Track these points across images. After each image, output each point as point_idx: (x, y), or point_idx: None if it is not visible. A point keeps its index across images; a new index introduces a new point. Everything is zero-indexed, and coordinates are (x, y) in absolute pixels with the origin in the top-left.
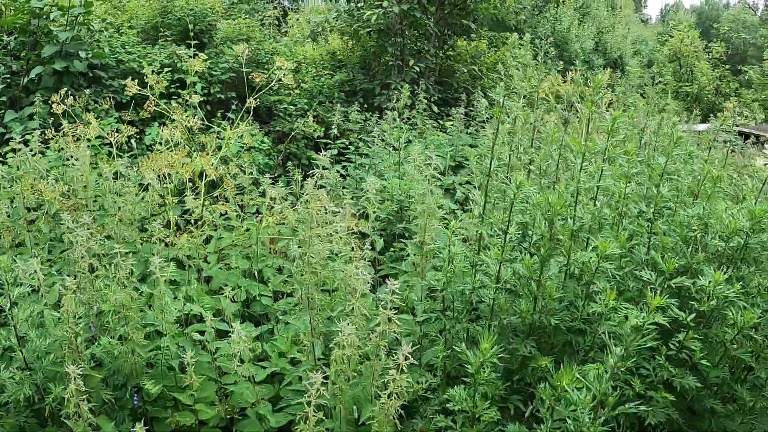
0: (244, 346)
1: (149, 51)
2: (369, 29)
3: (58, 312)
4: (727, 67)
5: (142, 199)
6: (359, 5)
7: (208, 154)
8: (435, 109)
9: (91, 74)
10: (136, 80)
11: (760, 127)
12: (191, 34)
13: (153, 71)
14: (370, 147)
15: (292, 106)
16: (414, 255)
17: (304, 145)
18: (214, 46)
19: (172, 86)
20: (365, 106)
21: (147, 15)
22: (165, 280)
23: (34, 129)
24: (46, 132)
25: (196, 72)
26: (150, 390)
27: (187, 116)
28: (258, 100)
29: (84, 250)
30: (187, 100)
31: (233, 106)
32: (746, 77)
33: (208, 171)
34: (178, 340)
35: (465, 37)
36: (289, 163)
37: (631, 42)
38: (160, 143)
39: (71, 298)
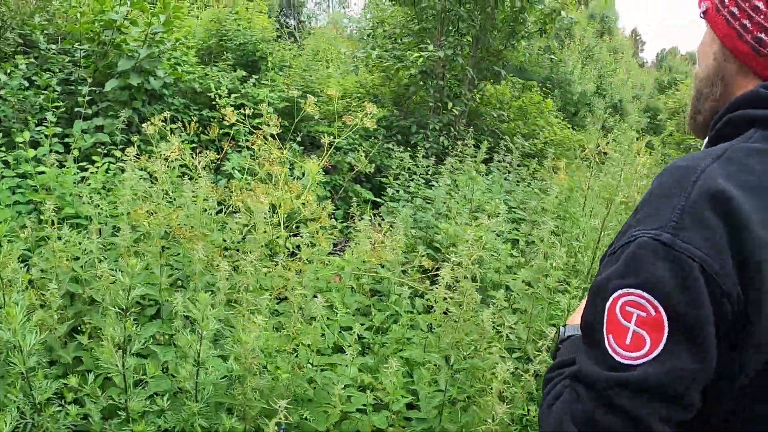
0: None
1: (212, 73)
2: (413, 70)
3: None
4: None
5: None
6: (398, 46)
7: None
8: (470, 152)
9: (155, 91)
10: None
11: None
12: (250, 60)
13: (220, 95)
14: (431, 188)
15: (341, 140)
16: None
17: (350, 179)
18: (266, 71)
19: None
20: (401, 143)
21: (202, 35)
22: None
23: (104, 143)
24: (128, 150)
25: (257, 100)
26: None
27: (270, 147)
28: (306, 129)
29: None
30: (255, 129)
31: (292, 136)
32: None
33: (302, 208)
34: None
35: (493, 82)
36: (350, 198)
37: (631, 86)
38: (240, 171)
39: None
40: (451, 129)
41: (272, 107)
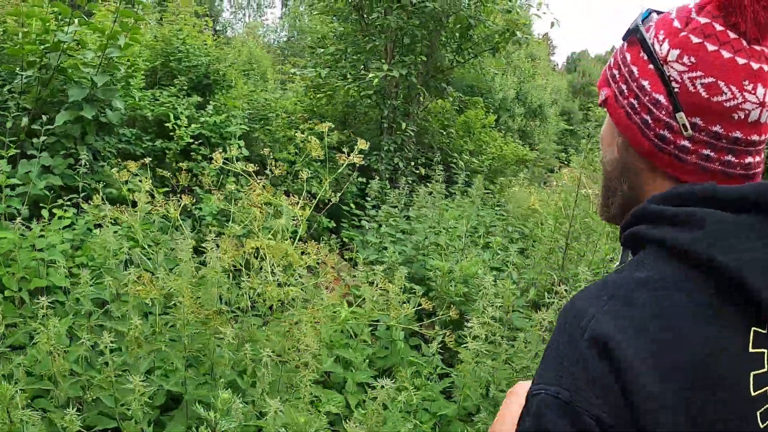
0: None
1: (162, 98)
2: (368, 90)
3: None
4: None
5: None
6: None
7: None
8: (422, 171)
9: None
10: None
11: None
12: (202, 83)
13: (178, 125)
14: (407, 219)
15: (298, 167)
16: None
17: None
18: (219, 94)
19: (195, 143)
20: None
21: (147, 56)
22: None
23: (54, 188)
24: (94, 199)
25: (223, 132)
26: None
27: (252, 186)
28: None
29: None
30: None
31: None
32: None
33: (295, 259)
34: None
35: (436, 98)
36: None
37: (549, 91)
38: (215, 217)
39: None
40: (404, 149)
41: (230, 134)
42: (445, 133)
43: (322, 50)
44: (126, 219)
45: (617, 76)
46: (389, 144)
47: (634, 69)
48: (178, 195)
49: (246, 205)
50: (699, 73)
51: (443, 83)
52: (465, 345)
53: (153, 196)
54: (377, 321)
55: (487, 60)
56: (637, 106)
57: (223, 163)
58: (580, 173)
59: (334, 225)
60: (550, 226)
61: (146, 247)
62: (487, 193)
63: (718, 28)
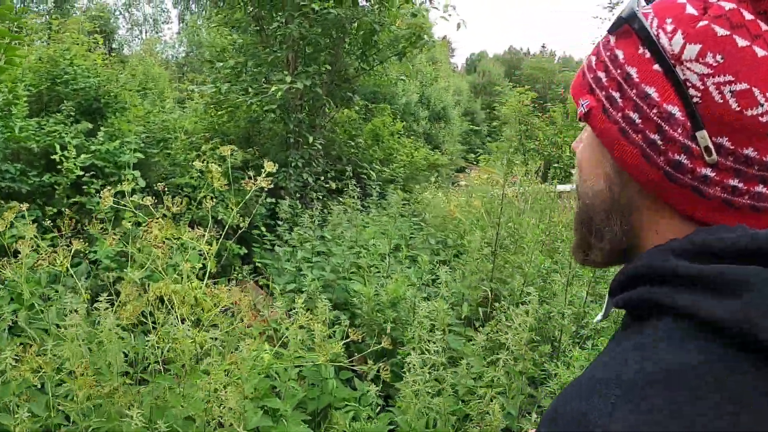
0: None
1: (48, 126)
2: (271, 105)
3: None
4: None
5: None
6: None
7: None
8: (333, 185)
9: None
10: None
11: None
12: (93, 108)
13: (66, 157)
14: (322, 239)
15: (202, 194)
16: None
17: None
18: (113, 118)
19: (86, 175)
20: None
21: (31, 79)
22: None
23: None
24: None
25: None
26: None
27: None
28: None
29: None
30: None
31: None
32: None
33: (207, 306)
34: None
35: (341, 107)
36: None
37: (452, 93)
38: (111, 259)
39: None
40: (313, 164)
41: (124, 162)
42: (353, 143)
43: (222, 64)
44: (8, 275)
45: (604, 80)
46: (297, 160)
47: (632, 71)
48: (68, 239)
49: (146, 244)
50: (728, 78)
51: (349, 92)
52: (404, 379)
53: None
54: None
55: (393, 66)
56: (638, 121)
57: (118, 197)
58: (504, 178)
59: (245, 251)
60: (477, 235)
61: (36, 305)
62: (403, 203)
63: (747, 16)
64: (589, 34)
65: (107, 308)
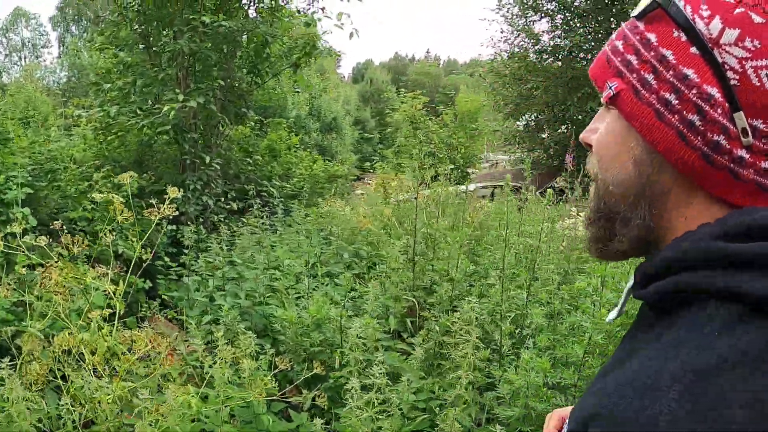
0: None
1: None
2: (164, 126)
3: None
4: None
5: None
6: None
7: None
8: (235, 206)
9: None
10: None
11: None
12: None
13: None
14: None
15: (98, 227)
16: None
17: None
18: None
19: None
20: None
21: None
22: None
23: None
24: None
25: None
26: None
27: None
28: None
29: None
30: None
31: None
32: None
33: (124, 357)
34: None
35: (234, 124)
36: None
37: (342, 103)
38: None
39: None
40: (212, 185)
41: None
42: (251, 160)
43: (109, 86)
44: None
45: (634, 62)
46: (195, 182)
47: (668, 53)
48: None
49: (46, 291)
50: (765, 62)
51: (243, 108)
52: (347, 405)
53: None
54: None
55: (286, 78)
56: (675, 102)
57: (9, 239)
58: (419, 182)
59: (150, 285)
60: (396, 244)
61: None
62: (308, 217)
63: None
64: (476, 37)
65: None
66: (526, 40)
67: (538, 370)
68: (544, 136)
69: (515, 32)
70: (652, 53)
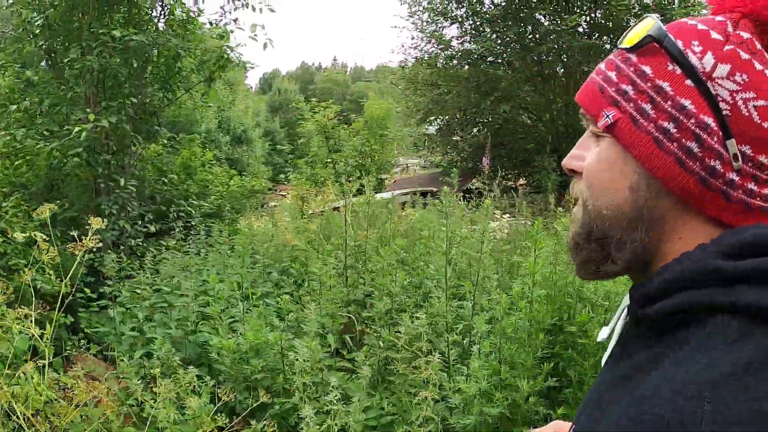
0: None
1: None
2: (75, 148)
3: None
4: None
5: None
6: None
7: None
8: (153, 229)
9: None
10: None
11: (422, 183)
12: None
13: None
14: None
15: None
16: None
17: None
18: None
19: None
20: (72, 240)
21: None
22: None
23: None
24: None
25: None
26: None
27: None
28: None
29: None
30: None
31: None
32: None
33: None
34: None
35: (146, 142)
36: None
37: (251, 114)
38: None
39: None
40: (128, 208)
41: None
42: (165, 180)
43: (15, 107)
44: None
45: (631, 92)
46: (110, 206)
47: (664, 85)
48: None
49: None
50: (752, 95)
51: (155, 125)
52: None
53: None
54: None
55: (198, 93)
56: (674, 131)
57: None
58: (347, 200)
59: (72, 319)
60: (330, 261)
61: None
62: (234, 236)
63: (758, 46)
64: (383, 44)
65: None
66: (437, 46)
67: (489, 377)
68: (457, 139)
69: (425, 38)
70: (649, 84)
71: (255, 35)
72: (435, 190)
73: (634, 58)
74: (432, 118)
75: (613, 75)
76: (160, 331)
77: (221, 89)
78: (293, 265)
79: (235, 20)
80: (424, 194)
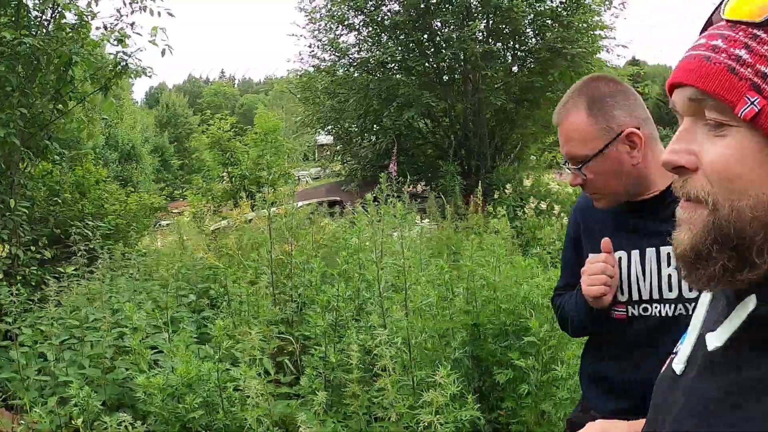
0: None
1: None
2: None
3: None
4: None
5: None
6: None
7: None
8: (49, 254)
9: None
10: None
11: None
12: None
13: None
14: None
15: None
16: None
17: None
18: None
19: None
20: None
21: None
22: None
23: None
24: None
25: None
26: None
27: None
28: None
29: None
30: None
31: None
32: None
33: None
34: None
35: (42, 159)
36: None
37: (139, 130)
38: None
39: None
40: (20, 233)
41: None
42: (58, 200)
43: None
44: None
45: None
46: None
47: None
48: None
49: None
50: None
51: (45, 140)
52: None
53: None
54: None
55: (92, 103)
56: None
57: None
58: (268, 211)
59: None
60: (261, 280)
61: None
62: (143, 257)
63: None
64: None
65: None
66: (334, 53)
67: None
68: (358, 147)
69: (322, 47)
70: None
71: (154, 39)
72: (339, 199)
73: (763, 34)
74: (329, 127)
75: (743, 54)
76: (73, 372)
77: (105, 106)
78: (212, 285)
79: (132, 24)
80: (331, 204)
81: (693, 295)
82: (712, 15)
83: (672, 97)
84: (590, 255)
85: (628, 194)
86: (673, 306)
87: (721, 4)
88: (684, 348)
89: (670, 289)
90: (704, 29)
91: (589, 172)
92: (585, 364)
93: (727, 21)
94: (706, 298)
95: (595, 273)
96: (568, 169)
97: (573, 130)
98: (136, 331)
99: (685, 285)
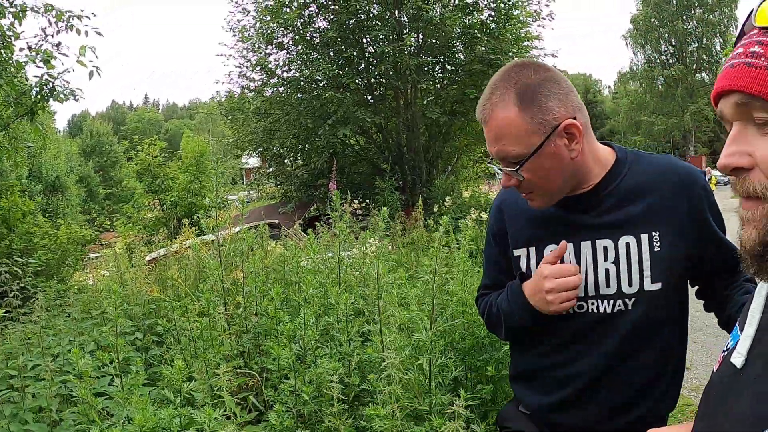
0: None
1: None
2: None
3: None
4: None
5: None
6: None
7: None
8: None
9: None
10: None
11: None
12: None
13: None
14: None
15: None
16: None
17: None
18: None
19: None
20: None
21: None
22: None
23: None
24: None
25: None
26: None
27: None
28: None
29: None
30: None
31: None
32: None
33: None
34: None
35: None
36: None
37: (64, 160)
38: None
39: None
40: None
41: None
42: None
43: None
44: None
45: None
46: None
47: None
48: None
49: None
50: None
51: None
52: None
53: None
54: None
55: (17, 129)
56: None
57: None
58: (217, 235)
59: None
60: (217, 312)
61: None
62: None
63: None
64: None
65: None
66: (264, 74)
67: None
68: (291, 168)
69: (251, 67)
70: None
71: (83, 59)
72: (277, 222)
73: None
74: (260, 149)
75: None
76: (16, 428)
77: (30, 133)
78: (159, 321)
79: (58, 45)
80: (271, 227)
81: (632, 290)
82: (743, 26)
83: (718, 107)
84: (542, 263)
85: (566, 191)
86: (611, 302)
87: (750, 14)
88: (743, 341)
89: (608, 285)
90: (738, 39)
91: (526, 172)
92: (516, 360)
93: (761, 28)
94: (764, 289)
95: (568, 288)
96: (499, 169)
97: (503, 127)
98: (81, 378)
99: (624, 280)
